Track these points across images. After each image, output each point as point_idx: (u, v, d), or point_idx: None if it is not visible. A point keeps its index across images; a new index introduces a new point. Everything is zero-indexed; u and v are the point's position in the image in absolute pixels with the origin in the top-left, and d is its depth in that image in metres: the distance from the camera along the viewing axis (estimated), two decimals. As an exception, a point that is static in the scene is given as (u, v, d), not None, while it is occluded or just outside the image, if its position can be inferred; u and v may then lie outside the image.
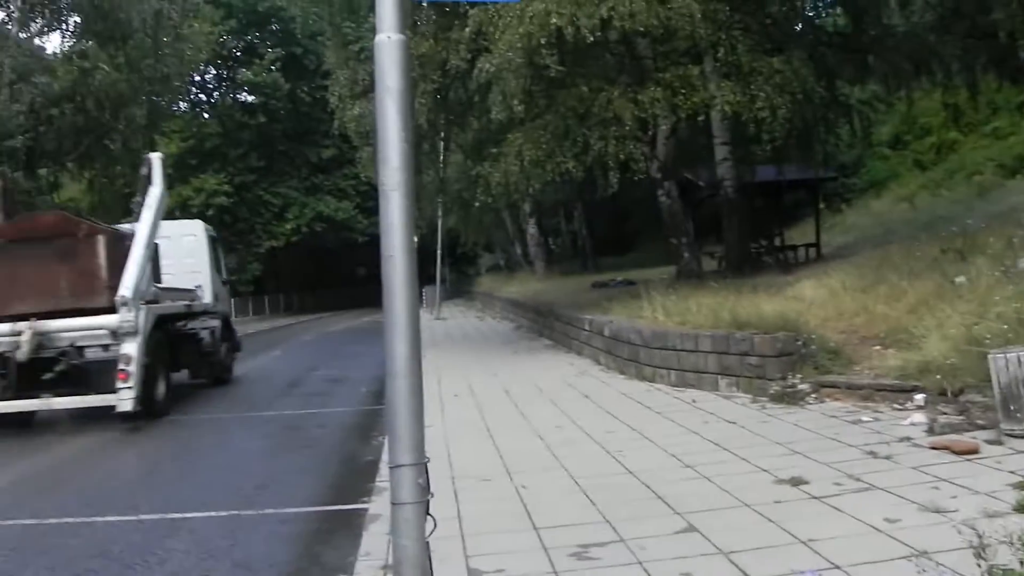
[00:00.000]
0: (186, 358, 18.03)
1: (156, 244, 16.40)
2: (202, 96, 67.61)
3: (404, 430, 3.72)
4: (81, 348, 14.48)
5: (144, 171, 17.41)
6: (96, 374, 14.34)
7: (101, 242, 14.86)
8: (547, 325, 22.50)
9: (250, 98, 64.34)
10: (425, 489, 3.75)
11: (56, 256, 14.54)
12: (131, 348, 13.83)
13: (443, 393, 13.76)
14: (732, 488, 7.00)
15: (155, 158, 17.42)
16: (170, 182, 55.95)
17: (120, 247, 15.11)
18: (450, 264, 59.73)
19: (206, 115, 65.67)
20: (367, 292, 64.08)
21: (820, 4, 22.43)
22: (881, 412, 9.13)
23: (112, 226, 16.53)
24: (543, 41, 15.23)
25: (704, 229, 24.17)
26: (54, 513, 8.93)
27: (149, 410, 14.31)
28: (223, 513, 8.50)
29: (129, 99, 30.87)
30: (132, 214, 16.99)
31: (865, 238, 22.72)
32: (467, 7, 17.16)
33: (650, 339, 13.17)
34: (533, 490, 7.56)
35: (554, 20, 14.88)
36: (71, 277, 14.51)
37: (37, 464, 11.90)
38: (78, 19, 31.23)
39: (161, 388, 15.28)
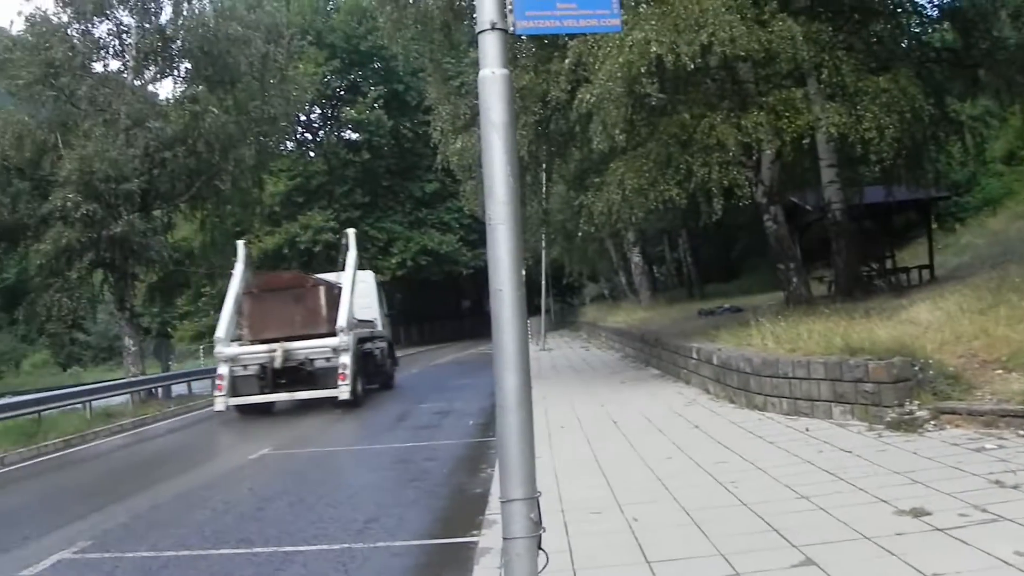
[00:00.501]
0: (368, 368, 24.60)
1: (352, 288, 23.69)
2: (308, 135, 69.12)
3: (515, 464, 3.71)
4: (313, 360, 22.05)
5: (343, 241, 26.62)
6: (322, 376, 21.86)
7: (321, 290, 23.38)
8: (654, 354, 22.30)
9: (354, 135, 65.53)
10: (537, 524, 3.72)
11: (293, 300, 23.05)
12: (346, 359, 21.71)
13: (550, 424, 13.71)
14: (850, 520, 6.79)
15: (350, 233, 26.98)
16: (277, 219, 57.62)
17: (332, 292, 23.37)
18: (554, 294, 59.74)
19: (312, 153, 67.09)
20: (472, 324, 64.70)
21: (926, 20, 21.82)
22: (1006, 439, 8.77)
23: (325, 278, 25.08)
24: (643, 70, 15.16)
25: (812, 254, 23.64)
26: (172, 546, 9.16)
27: (356, 400, 21.98)
28: (335, 546, 8.61)
29: (238, 140, 31.77)
30: (337, 265, 26.46)
31: (981, 258, 22.03)
32: (566, 39, 17.23)
33: (760, 367, 12.93)
34: (644, 522, 7.46)
35: (654, 48, 14.81)
36: (303, 314, 22.75)
37: (156, 498, 12.22)
38: (189, 65, 32.31)
39: (360, 386, 22.70)
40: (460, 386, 26.83)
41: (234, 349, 22.28)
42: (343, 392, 21.36)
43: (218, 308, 63.04)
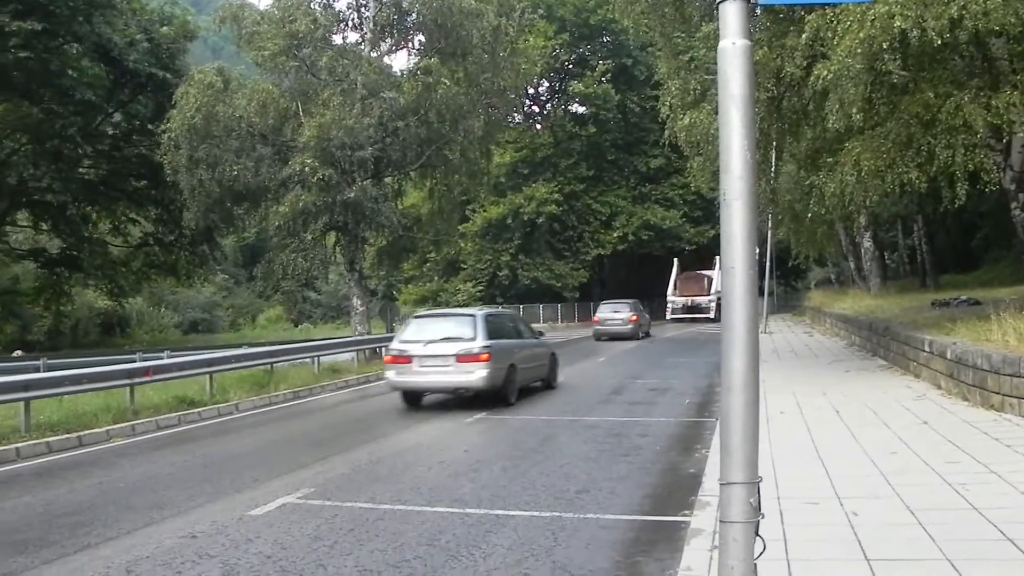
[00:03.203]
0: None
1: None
2: (535, 108, 69.89)
3: (737, 447, 3.60)
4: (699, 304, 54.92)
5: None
6: (704, 310, 56.59)
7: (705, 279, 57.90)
8: (881, 344, 21.39)
9: (581, 109, 65.79)
10: (756, 509, 3.61)
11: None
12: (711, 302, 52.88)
13: (769, 409, 13.39)
14: (1097, 534, 6.29)
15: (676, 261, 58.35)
16: (503, 190, 59.26)
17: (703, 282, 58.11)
18: (778, 277, 58.39)
19: (538, 126, 67.82)
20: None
21: None
22: None
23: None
24: (885, 45, 14.42)
25: (1063, 246, 22.05)
26: (389, 500, 9.47)
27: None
28: (546, 514, 8.67)
29: (468, 111, 32.43)
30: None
31: None
32: (803, 12, 16.61)
33: (999, 365, 12.14)
34: (864, 518, 7.15)
35: (898, 23, 14.04)
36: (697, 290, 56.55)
37: (376, 452, 12.67)
38: (422, 38, 33.24)
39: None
40: (676, 364, 26.66)
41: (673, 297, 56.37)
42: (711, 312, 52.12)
43: (442, 274, 64.97)
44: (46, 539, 8.30)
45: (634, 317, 40.17)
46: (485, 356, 17.23)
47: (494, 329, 18.24)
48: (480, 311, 19.46)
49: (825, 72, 15.47)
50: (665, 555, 7.10)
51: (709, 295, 56.15)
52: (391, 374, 18.18)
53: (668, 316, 58.29)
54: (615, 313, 40.36)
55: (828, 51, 15.69)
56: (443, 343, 17.54)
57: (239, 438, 15.07)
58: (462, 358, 17.24)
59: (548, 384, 20.69)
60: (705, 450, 11.33)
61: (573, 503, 9.12)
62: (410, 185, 39.06)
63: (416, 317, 20.93)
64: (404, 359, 17.79)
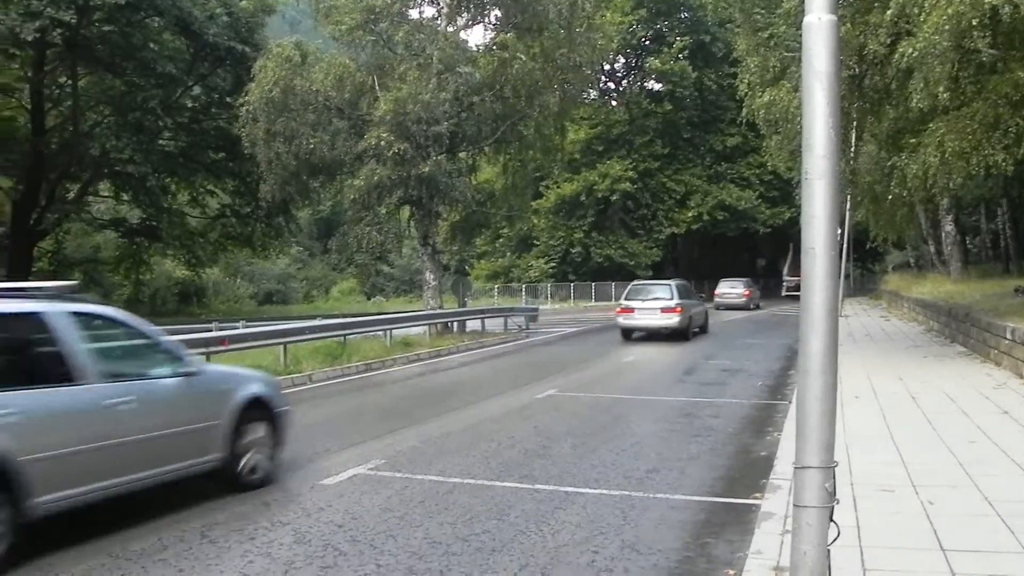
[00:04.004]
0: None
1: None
2: (610, 84, 69.48)
3: (813, 430, 3.55)
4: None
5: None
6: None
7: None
8: (961, 330, 20.95)
9: (657, 86, 65.24)
10: (831, 495, 3.55)
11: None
12: None
13: (844, 394, 13.15)
14: None
15: None
16: (577, 167, 59.04)
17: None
18: (854, 260, 57.45)
19: (613, 103, 67.38)
20: (765, 284, 63.32)
21: None
22: None
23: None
24: (975, 22, 14.03)
25: None
26: (458, 473, 9.52)
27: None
28: (615, 492, 8.66)
29: (543, 87, 32.23)
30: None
31: None
32: (889, -11, 16.22)
33: (1084, 353, 11.84)
34: (940, 507, 7.01)
35: (989, -1, 13.67)
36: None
37: (446, 426, 12.75)
38: (499, 13, 33.05)
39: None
40: (749, 345, 26.42)
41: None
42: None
43: (514, 250, 64.96)
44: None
45: (747, 292, 50.96)
46: (679, 308, 27.39)
47: (682, 293, 28.48)
48: (673, 281, 29.59)
49: (910, 50, 15.11)
50: (735, 537, 7.04)
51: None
52: (620, 319, 28.54)
53: (783, 293, 59.68)
54: (732, 288, 51.36)
55: (913, 28, 15.33)
56: (653, 300, 27.80)
57: (311, 408, 15.25)
58: (665, 310, 27.44)
59: (703, 329, 30.77)
60: (777, 433, 11.19)
61: (643, 482, 9.08)
62: (484, 160, 38.99)
63: (634, 284, 30.37)
64: (629, 310, 28.33)
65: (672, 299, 27.68)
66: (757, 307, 51.26)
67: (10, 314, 7.24)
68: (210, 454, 8.55)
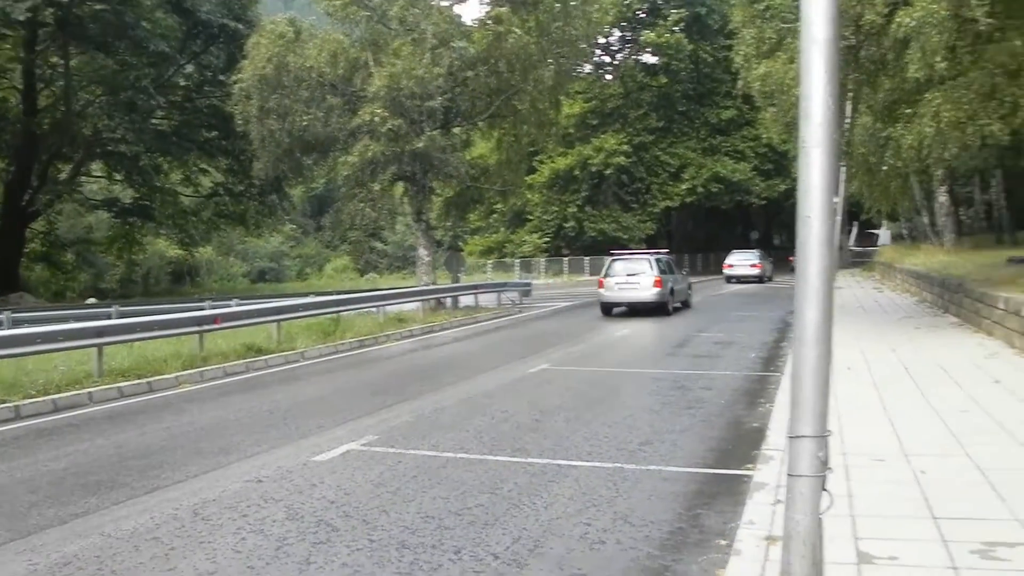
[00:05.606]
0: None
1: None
2: (605, 58, 69.08)
3: (808, 400, 3.53)
4: None
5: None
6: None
7: None
8: (953, 301, 20.95)
9: (652, 59, 64.92)
10: (824, 464, 3.55)
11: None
12: None
13: (836, 364, 13.13)
14: None
15: None
16: (571, 141, 58.75)
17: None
18: (849, 231, 57.47)
19: (608, 76, 67.07)
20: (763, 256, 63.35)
21: None
22: None
23: None
24: (974, -10, 14.00)
25: None
26: (452, 448, 9.53)
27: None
28: (608, 465, 8.66)
29: (538, 61, 32.06)
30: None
31: None
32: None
33: (1077, 322, 11.83)
34: (932, 476, 7.02)
35: (988, -34, 13.60)
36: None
37: (439, 401, 12.75)
38: (495, -14, 32.81)
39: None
40: (741, 318, 26.46)
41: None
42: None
43: (508, 225, 64.99)
44: (117, 480, 8.50)
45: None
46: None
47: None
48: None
49: (907, 19, 15.07)
50: (727, 508, 7.04)
51: None
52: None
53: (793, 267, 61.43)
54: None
55: (911, -2, 15.26)
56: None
57: (305, 385, 15.26)
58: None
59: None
60: (769, 404, 11.21)
61: (635, 455, 9.08)
62: (478, 135, 38.89)
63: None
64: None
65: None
66: (771, 279, 50.87)
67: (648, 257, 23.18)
68: (684, 298, 27.66)
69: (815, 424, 3.54)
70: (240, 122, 31.25)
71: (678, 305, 29.53)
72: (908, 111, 17.93)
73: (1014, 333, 14.66)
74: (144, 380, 14.90)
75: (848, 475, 7.07)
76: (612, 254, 30.60)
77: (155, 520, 7.17)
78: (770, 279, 50.97)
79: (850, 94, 21.96)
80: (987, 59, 15.97)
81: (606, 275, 28.63)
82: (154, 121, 40.64)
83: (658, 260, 28.55)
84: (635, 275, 27.89)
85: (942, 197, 41.28)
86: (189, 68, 42.03)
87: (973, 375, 12.15)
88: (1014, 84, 15.55)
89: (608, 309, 28.64)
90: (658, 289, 27.37)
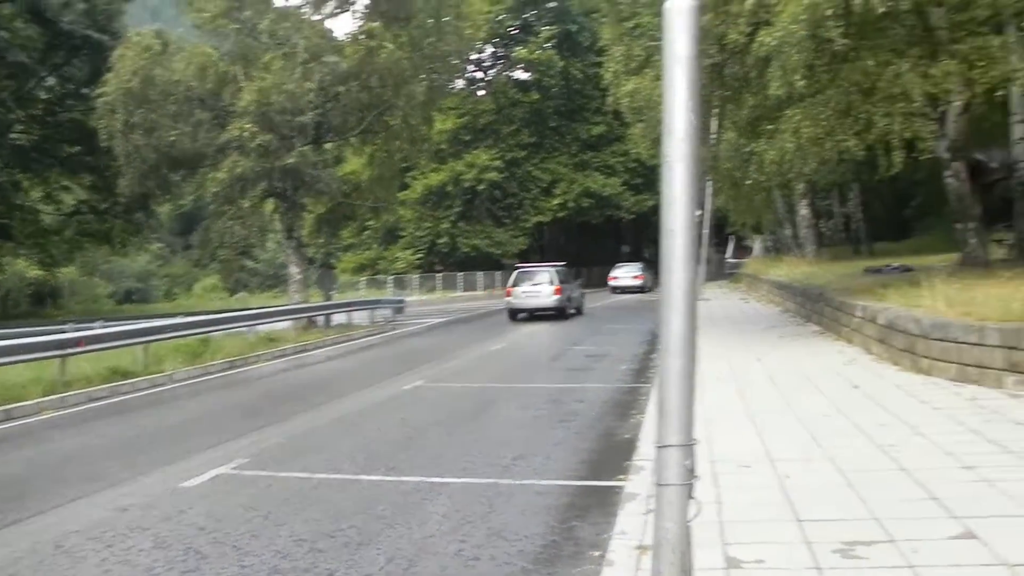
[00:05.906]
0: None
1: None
2: (478, 74, 69.51)
3: (674, 410, 3.59)
4: None
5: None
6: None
7: None
8: (815, 310, 21.66)
9: (524, 75, 65.59)
10: (691, 472, 3.61)
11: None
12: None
13: (703, 374, 13.45)
14: (1019, 494, 6.41)
15: None
16: (443, 157, 58.68)
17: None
18: (715, 245, 58.88)
19: (481, 92, 67.45)
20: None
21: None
22: None
23: None
24: (829, 12, 14.50)
25: (993, 215, 22.34)
26: (324, 469, 9.40)
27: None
28: (482, 480, 8.67)
29: (410, 76, 32.05)
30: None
31: None
32: (749, -24, 16.61)
33: (929, 329, 12.34)
34: (796, 480, 7.23)
35: (843, -10, 14.13)
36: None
37: (312, 421, 12.60)
38: (366, 0, 32.68)
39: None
40: (614, 331, 26.79)
41: None
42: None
43: (381, 242, 64.51)
44: (-29, 511, 8.13)
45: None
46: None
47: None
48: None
49: (769, 39, 15.51)
50: (600, 519, 7.12)
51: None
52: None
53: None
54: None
55: (772, 18, 15.72)
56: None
57: (173, 409, 14.89)
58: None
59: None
60: (640, 415, 11.38)
61: (509, 469, 9.11)
62: (350, 151, 38.63)
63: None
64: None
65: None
66: (652, 290, 52.02)
67: (549, 268, 30.25)
68: (578, 305, 34.39)
69: (682, 433, 3.60)
70: (104, 137, 30.35)
71: (573, 311, 34.12)
72: (770, 127, 18.45)
73: (871, 340, 15.24)
74: (2, 408, 14.28)
75: (716, 482, 7.23)
76: (517, 267, 35.13)
77: (13, 554, 6.88)
78: (651, 290, 52.20)
79: (715, 110, 22.47)
80: (843, 78, 16.58)
81: (513, 285, 32.78)
82: (12, 135, 39.21)
83: (558, 272, 33.15)
84: (538, 284, 32.39)
85: (803, 210, 42.59)
86: (51, 80, 40.72)
87: (834, 381, 12.55)
88: (868, 102, 16.18)
89: (514, 314, 32.54)
90: (558, 296, 32.02)
